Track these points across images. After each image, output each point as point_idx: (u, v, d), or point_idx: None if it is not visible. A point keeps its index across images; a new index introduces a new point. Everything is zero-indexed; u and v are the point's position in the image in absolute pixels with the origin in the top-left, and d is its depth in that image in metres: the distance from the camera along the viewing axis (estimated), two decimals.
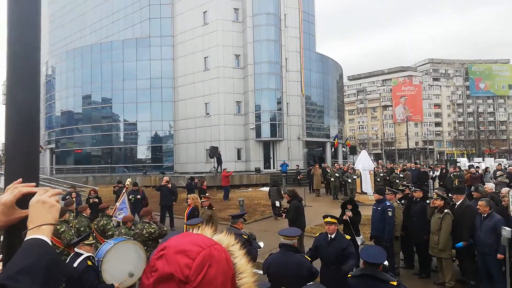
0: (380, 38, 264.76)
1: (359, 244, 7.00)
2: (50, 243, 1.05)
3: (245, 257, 0.86)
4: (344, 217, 7.15)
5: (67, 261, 4.60)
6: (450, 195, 7.32)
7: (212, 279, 0.73)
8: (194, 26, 32.43)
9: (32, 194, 1.17)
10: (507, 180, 13.04)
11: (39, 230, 1.05)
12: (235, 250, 0.86)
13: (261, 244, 5.49)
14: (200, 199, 8.50)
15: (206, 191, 13.92)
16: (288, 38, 32.61)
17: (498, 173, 15.17)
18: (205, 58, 31.45)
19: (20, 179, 1.25)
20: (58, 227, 6.39)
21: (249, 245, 5.16)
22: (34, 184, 1.26)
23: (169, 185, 13.32)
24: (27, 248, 1.00)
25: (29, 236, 1.04)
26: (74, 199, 11.97)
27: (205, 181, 14.46)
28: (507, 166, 16.82)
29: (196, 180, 16.60)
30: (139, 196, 12.53)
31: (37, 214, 1.09)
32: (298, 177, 24.81)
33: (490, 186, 9.45)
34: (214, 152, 25.63)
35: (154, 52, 34.20)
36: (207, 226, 0.94)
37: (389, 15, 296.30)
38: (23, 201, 1.18)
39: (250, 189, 23.24)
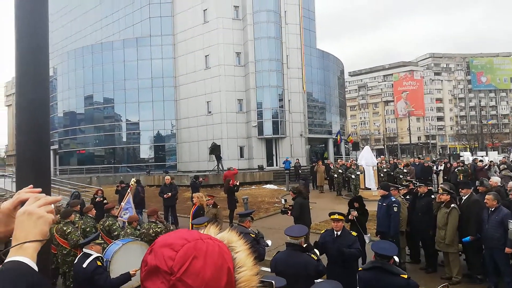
0: (381, 34, 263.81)
1: (367, 242, 6.98)
2: (33, 265, 0.88)
3: (247, 251, 0.86)
4: (350, 217, 7.16)
5: (76, 261, 4.61)
6: (460, 189, 7.28)
7: (198, 271, 0.74)
8: (194, 25, 32.34)
9: None
10: None
11: (21, 250, 0.90)
12: (237, 245, 0.87)
13: (269, 242, 5.47)
14: (233, 196, 8.41)
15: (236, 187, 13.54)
16: (289, 35, 32.48)
17: (502, 166, 15.09)
18: (206, 56, 31.38)
19: (31, 186, 1.12)
20: (65, 228, 6.40)
21: (257, 244, 5.16)
22: (40, 190, 1.09)
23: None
24: (2, 275, 0.84)
25: (9, 257, 0.89)
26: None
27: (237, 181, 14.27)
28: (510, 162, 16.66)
29: (201, 179, 16.57)
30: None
31: (21, 228, 0.93)
32: (299, 171, 24.58)
33: (495, 179, 9.37)
34: (215, 149, 25.84)
35: (155, 51, 34.15)
36: (212, 225, 0.94)
37: (388, 12, 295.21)
38: None
39: (253, 187, 23.22)
